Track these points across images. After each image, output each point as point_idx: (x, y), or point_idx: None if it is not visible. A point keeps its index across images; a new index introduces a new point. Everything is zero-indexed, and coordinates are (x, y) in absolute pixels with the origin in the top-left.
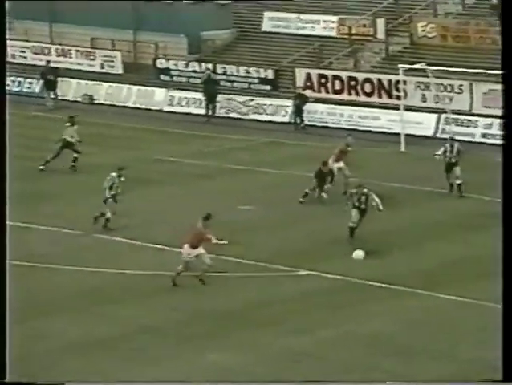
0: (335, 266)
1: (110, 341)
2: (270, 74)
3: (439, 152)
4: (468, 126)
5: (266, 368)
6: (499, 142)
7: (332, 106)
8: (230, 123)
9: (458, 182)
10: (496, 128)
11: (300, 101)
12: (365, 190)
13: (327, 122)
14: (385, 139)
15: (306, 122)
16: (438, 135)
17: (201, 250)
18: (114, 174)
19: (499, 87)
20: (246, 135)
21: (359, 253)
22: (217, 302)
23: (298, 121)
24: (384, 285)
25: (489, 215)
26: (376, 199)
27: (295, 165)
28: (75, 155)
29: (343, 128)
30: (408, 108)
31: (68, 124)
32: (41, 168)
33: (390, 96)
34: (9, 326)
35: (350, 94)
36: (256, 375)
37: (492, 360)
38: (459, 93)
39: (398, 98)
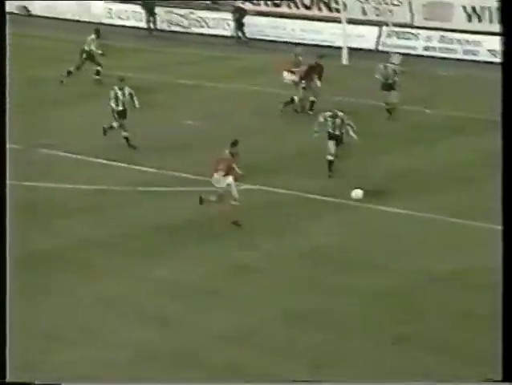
0: (280, 181)
1: (54, 254)
2: None
3: (376, 75)
4: (409, 39)
5: (212, 282)
6: (440, 55)
7: (274, 19)
8: (172, 37)
9: (388, 108)
10: (436, 41)
11: (239, 14)
12: (340, 114)
13: (268, 35)
14: (328, 52)
15: (249, 36)
16: (380, 47)
17: (231, 179)
18: (116, 87)
19: None
20: (189, 48)
21: (358, 193)
22: (161, 218)
23: (240, 35)
24: (328, 198)
25: (433, 128)
26: (353, 125)
27: (240, 79)
28: (98, 67)
29: (286, 42)
30: (350, 21)
31: (93, 37)
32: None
33: (330, 9)
34: None
35: (289, 7)
36: (202, 289)
37: (433, 271)
38: (398, 5)
39: (337, 11)
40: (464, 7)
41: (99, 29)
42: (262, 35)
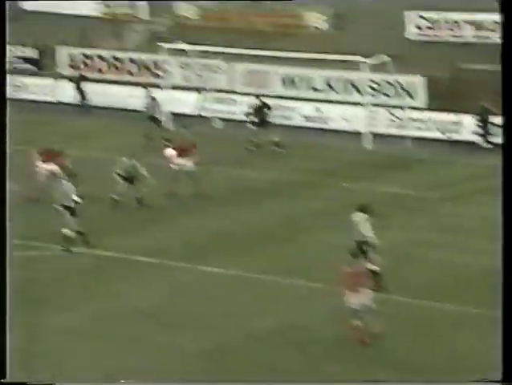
0: (106, 243)
1: None
2: (34, 53)
3: None
4: (228, 104)
5: (34, 346)
6: (257, 120)
7: (102, 85)
8: None
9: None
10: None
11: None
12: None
13: (96, 102)
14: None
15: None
16: (201, 112)
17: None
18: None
19: (258, 67)
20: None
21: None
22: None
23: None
24: (151, 260)
25: (248, 190)
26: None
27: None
28: None
29: (116, 108)
30: (173, 87)
31: None
32: None
33: (154, 75)
34: None
35: (114, 73)
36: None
37: (261, 329)
38: (218, 72)
39: (159, 77)
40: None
41: None
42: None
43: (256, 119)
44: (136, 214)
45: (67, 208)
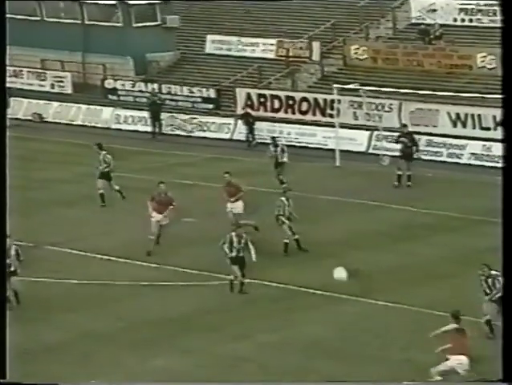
0: (275, 274)
1: (55, 346)
2: (212, 93)
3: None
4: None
5: (208, 372)
6: (428, 157)
7: (271, 123)
8: (175, 140)
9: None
10: (424, 144)
11: (249, 119)
12: (244, 235)
13: (266, 138)
14: (321, 154)
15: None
16: (370, 150)
17: None
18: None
19: (425, 106)
20: (190, 151)
21: (341, 274)
22: (160, 311)
23: (251, 139)
24: (320, 292)
25: (419, 226)
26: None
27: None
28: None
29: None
30: (343, 126)
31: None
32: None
33: (324, 114)
34: None
35: (287, 112)
36: (198, 379)
37: (421, 362)
38: (388, 111)
39: (331, 116)
40: (448, 113)
41: (100, 144)
42: (259, 138)
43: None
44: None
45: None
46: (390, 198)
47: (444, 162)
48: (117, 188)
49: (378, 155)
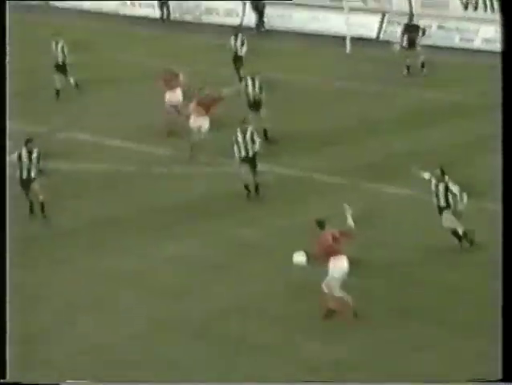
0: (284, 160)
1: (70, 232)
2: None
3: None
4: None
5: (222, 257)
6: (440, 43)
7: (281, 9)
8: (184, 26)
9: None
10: (435, 29)
11: (258, 4)
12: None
13: (274, 25)
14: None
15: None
16: (382, 36)
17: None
18: None
19: None
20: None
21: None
22: (171, 196)
23: (260, 24)
24: (331, 178)
25: (431, 112)
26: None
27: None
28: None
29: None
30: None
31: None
32: None
33: None
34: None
35: None
36: (212, 264)
37: (430, 246)
38: None
39: None
40: None
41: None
42: (269, 25)
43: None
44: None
45: None
46: (402, 84)
47: (456, 48)
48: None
49: (389, 41)
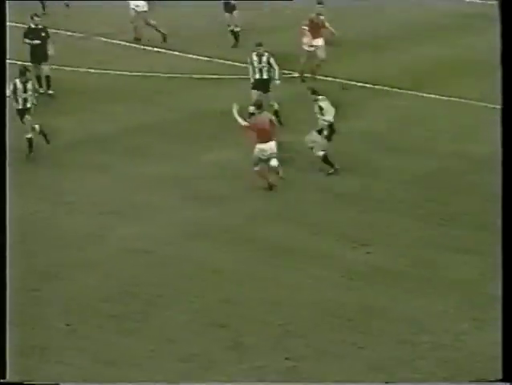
0: (333, 69)
1: (109, 137)
2: None
3: None
4: None
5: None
6: None
7: None
8: None
9: None
10: None
11: None
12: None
13: None
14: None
15: None
16: None
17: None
18: None
19: None
20: None
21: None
22: (211, 104)
23: None
24: (371, 85)
25: (473, 17)
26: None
27: None
28: None
29: None
30: None
31: None
32: None
33: None
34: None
35: None
36: (247, 170)
37: (472, 153)
38: None
39: None
40: None
41: None
42: None
43: None
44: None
45: None
46: None
47: None
48: None
49: None
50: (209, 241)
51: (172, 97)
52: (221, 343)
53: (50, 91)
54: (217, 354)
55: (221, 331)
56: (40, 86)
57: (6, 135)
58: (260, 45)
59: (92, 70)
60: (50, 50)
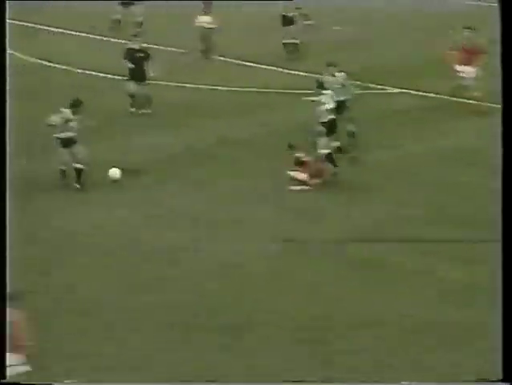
0: (425, 85)
1: (206, 151)
2: None
3: None
4: None
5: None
6: None
7: None
8: None
9: None
10: None
11: None
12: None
13: None
14: None
15: None
16: None
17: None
18: None
19: None
20: None
21: (115, 172)
22: (304, 118)
23: None
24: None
25: None
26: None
27: None
28: None
29: None
30: None
31: None
32: None
33: None
34: None
35: None
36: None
37: None
38: None
39: None
40: None
41: None
42: None
43: None
44: None
45: None
46: None
47: None
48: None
49: None
50: (304, 256)
51: (266, 111)
52: (314, 359)
53: (149, 110)
54: (307, 370)
55: (314, 347)
56: (132, 106)
57: (5, 135)
58: (332, 65)
59: (188, 86)
60: (150, 71)
